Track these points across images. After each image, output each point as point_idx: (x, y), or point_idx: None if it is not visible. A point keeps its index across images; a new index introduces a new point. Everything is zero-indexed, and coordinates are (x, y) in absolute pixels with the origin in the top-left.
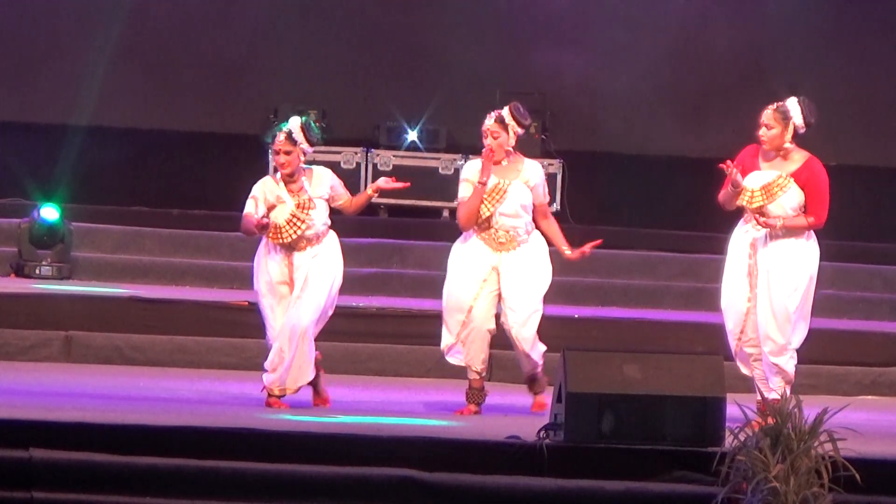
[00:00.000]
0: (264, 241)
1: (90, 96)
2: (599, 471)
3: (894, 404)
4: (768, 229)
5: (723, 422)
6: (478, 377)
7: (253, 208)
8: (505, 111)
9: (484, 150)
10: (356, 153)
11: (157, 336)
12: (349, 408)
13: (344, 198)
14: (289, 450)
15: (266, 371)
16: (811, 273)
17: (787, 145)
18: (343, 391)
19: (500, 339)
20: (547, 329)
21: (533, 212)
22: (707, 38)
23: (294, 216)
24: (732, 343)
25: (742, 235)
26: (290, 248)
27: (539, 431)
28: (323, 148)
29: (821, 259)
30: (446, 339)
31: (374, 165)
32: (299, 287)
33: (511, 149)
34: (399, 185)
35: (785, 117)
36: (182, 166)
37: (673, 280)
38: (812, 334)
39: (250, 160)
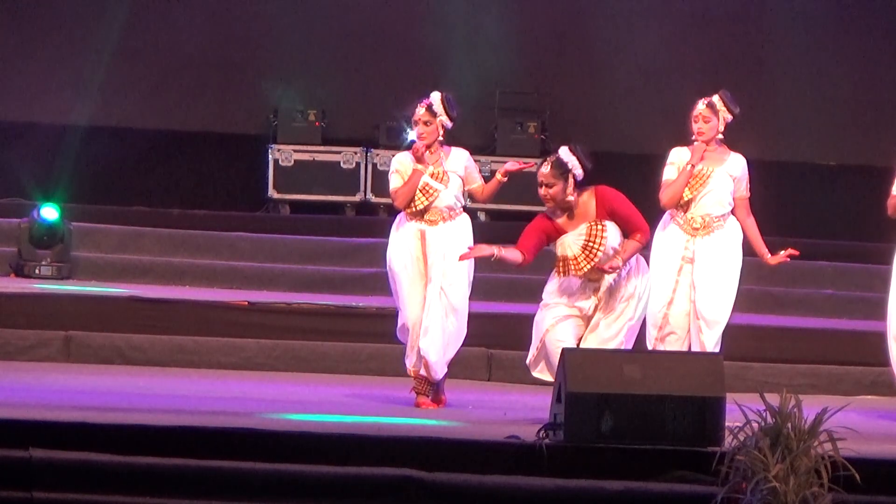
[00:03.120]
0: (396, 220)
1: (90, 96)
2: (599, 471)
3: (894, 404)
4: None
5: (722, 422)
6: None
7: (400, 179)
8: (716, 97)
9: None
10: (356, 153)
11: (157, 336)
12: (349, 408)
13: (477, 182)
14: (289, 450)
15: (408, 358)
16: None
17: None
18: (343, 391)
19: (501, 339)
20: None
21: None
22: (707, 38)
23: (427, 185)
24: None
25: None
26: (421, 217)
27: (539, 431)
28: (323, 148)
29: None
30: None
31: (374, 165)
32: (439, 268)
33: (721, 136)
34: (525, 166)
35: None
36: (182, 166)
37: None
38: (812, 334)
39: (250, 160)
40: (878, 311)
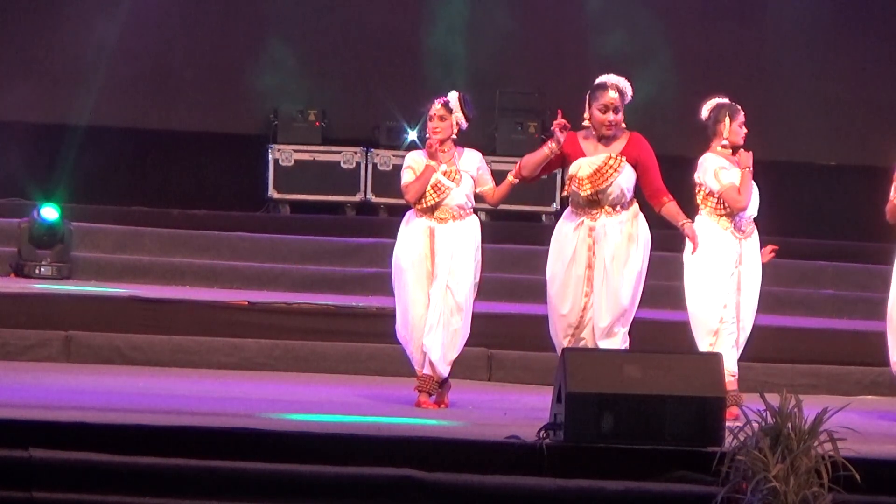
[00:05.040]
0: (406, 217)
1: (90, 96)
2: (599, 471)
3: (894, 404)
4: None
5: (722, 422)
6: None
7: (413, 174)
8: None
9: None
10: (356, 153)
11: (157, 336)
12: (349, 408)
13: (489, 184)
14: (289, 450)
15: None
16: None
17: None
18: (343, 391)
19: (501, 339)
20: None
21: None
22: (707, 38)
23: (439, 182)
24: None
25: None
26: (431, 214)
27: (539, 431)
28: (323, 148)
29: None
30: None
31: (374, 165)
32: (446, 266)
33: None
34: None
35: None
36: (182, 166)
37: (673, 280)
38: (812, 334)
39: (250, 160)
40: (879, 311)
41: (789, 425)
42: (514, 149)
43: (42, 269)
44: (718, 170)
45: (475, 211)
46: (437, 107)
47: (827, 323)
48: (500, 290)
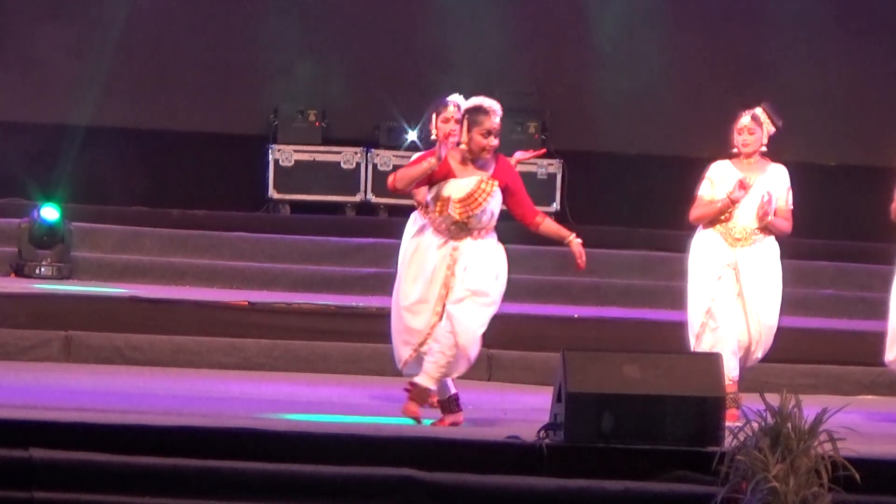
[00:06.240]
0: (418, 223)
1: (90, 96)
2: (599, 471)
3: (894, 404)
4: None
5: (722, 421)
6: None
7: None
8: (759, 109)
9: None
10: (356, 153)
11: (157, 336)
12: (349, 408)
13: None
14: (289, 450)
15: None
16: None
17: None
18: (343, 391)
19: (501, 339)
20: (547, 329)
21: None
22: (707, 38)
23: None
24: None
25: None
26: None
27: (539, 431)
28: (323, 148)
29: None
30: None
31: (374, 165)
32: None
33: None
34: (536, 153)
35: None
36: (182, 166)
37: (673, 280)
38: (812, 334)
39: (250, 160)
40: (879, 311)
41: (789, 425)
42: (514, 149)
43: (42, 269)
44: (709, 177)
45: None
46: (451, 109)
47: (827, 323)
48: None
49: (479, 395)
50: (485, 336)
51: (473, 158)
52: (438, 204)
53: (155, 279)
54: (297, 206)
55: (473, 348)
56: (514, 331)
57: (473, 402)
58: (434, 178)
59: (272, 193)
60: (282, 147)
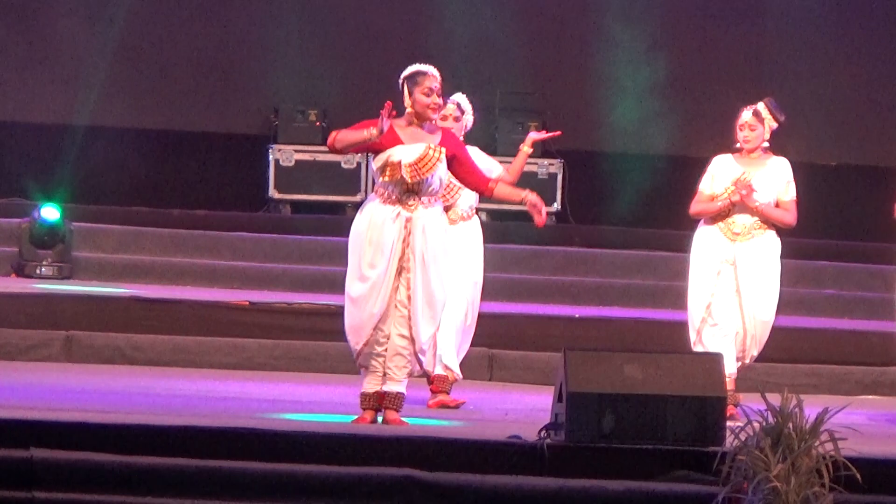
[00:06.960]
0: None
1: (90, 96)
2: (600, 470)
3: (895, 404)
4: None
5: (723, 421)
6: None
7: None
8: (761, 105)
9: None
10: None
11: (157, 336)
12: (349, 408)
13: (498, 167)
14: (289, 450)
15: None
16: None
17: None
18: (343, 391)
19: (502, 339)
20: (547, 329)
21: None
22: (708, 38)
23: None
24: None
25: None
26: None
27: (540, 431)
28: (323, 148)
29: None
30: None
31: None
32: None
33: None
34: (552, 134)
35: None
36: (182, 166)
37: (674, 280)
38: (813, 334)
39: (251, 160)
40: (879, 311)
41: (790, 425)
42: (515, 149)
43: (43, 269)
44: (710, 171)
45: (477, 211)
46: (451, 107)
47: (828, 323)
48: (501, 290)
49: (480, 394)
50: (485, 336)
51: (421, 121)
52: (388, 170)
53: (155, 279)
54: (297, 206)
55: (430, 337)
56: (515, 331)
57: (474, 402)
58: (382, 147)
59: (273, 193)
60: (282, 147)
